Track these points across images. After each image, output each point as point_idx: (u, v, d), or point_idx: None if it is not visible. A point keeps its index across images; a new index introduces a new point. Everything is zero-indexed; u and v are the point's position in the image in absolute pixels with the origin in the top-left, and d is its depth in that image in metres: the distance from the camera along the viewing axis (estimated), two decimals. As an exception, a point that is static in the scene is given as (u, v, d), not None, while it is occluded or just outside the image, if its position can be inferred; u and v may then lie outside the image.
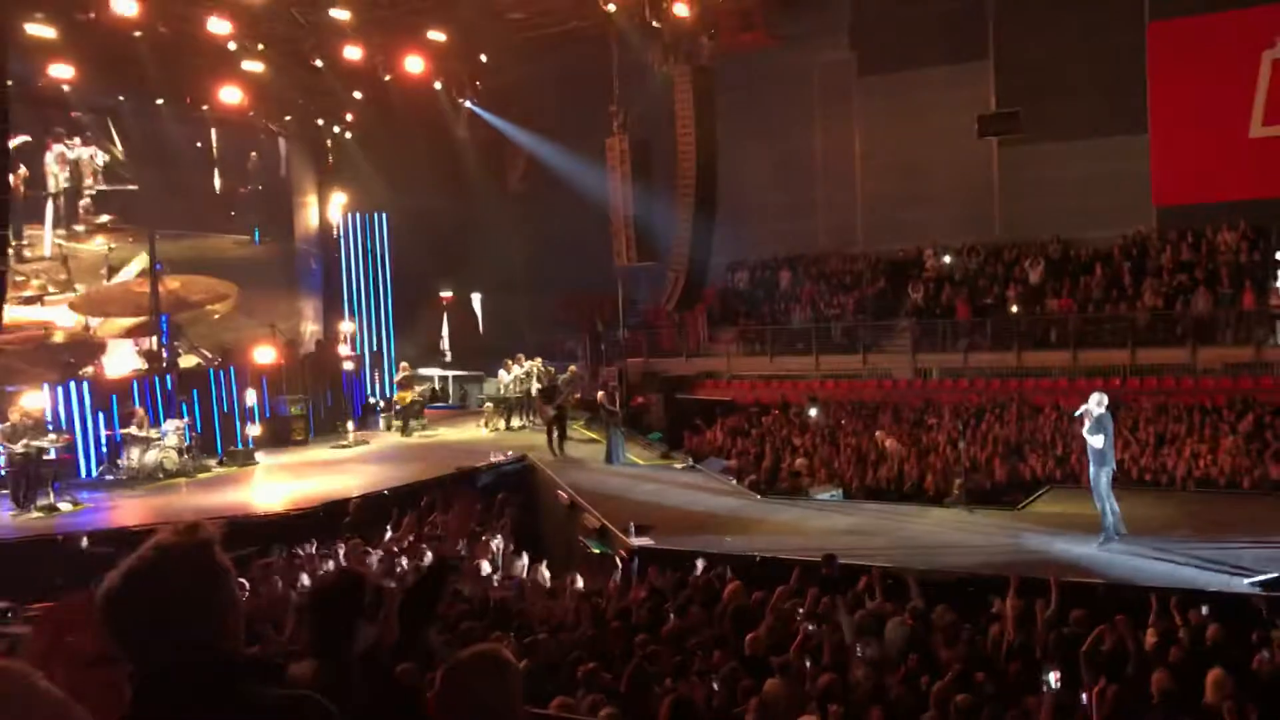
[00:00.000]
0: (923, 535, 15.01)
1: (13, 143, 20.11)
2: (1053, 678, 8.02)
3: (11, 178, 20.54)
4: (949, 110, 26.55)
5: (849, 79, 28.39)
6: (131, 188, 23.01)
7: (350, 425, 23.48)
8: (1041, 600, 9.62)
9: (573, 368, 25.09)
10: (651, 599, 10.87)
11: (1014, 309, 24.41)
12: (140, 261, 22.89)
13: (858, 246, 28.74)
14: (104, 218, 22.70)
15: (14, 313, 19.60)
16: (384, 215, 27.20)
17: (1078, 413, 13.74)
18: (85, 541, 14.49)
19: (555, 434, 20.98)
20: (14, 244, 20.75)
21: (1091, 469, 13.50)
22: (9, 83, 15.29)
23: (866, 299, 26.61)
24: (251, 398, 22.21)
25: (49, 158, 21.87)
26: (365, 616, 2.88)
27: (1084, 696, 7.75)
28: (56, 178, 22.05)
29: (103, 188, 22.74)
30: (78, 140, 22.25)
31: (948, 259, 26.74)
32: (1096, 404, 13.37)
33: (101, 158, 22.65)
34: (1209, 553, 12.73)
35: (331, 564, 13.26)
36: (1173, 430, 19.24)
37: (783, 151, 28.87)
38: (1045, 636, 9.09)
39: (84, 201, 22.43)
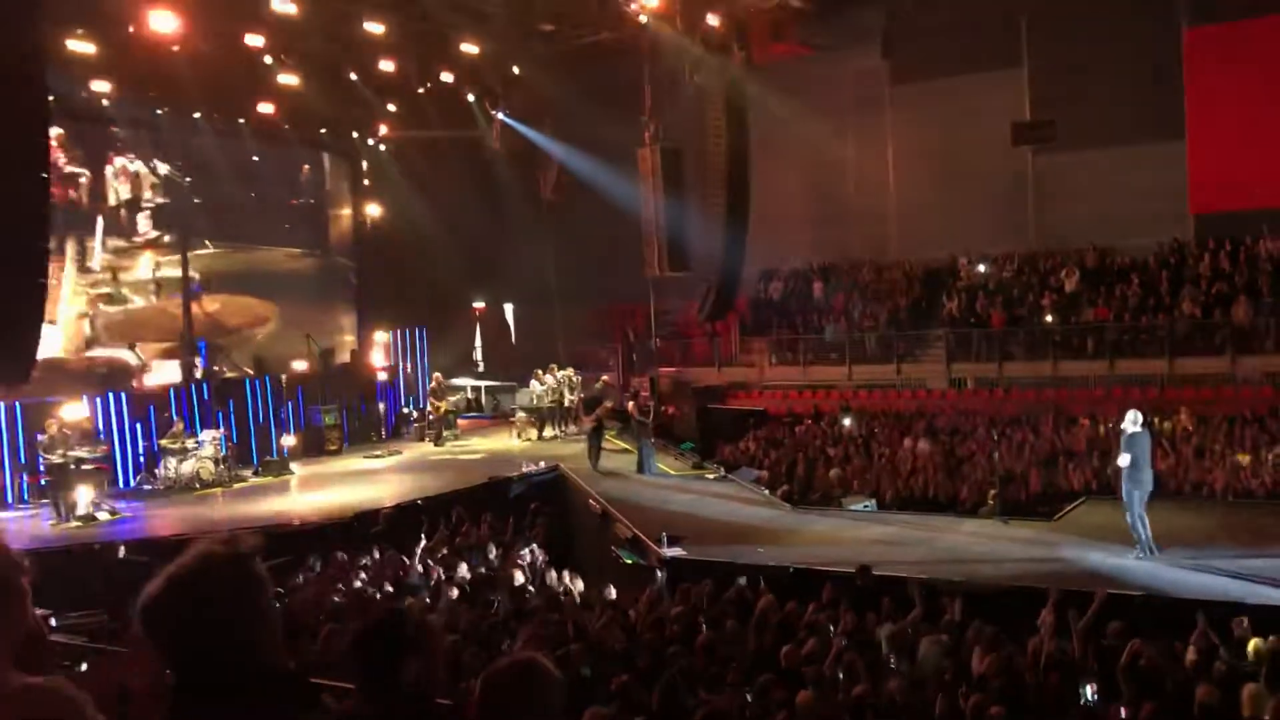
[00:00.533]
0: (958, 546, 14.88)
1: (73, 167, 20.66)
2: (1089, 690, 7.94)
3: (72, 192, 21.00)
4: (983, 118, 26.43)
5: (882, 87, 28.34)
6: (195, 201, 23.36)
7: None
8: (1076, 612, 9.50)
9: (605, 378, 25.11)
10: (684, 611, 10.83)
11: (1049, 318, 24.20)
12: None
13: (891, 255, 28.63)
14: (154, 233, 22.96)
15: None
16: (417, 239, 27.21)
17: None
18: (122, 551, 14.65)
19: (594, 445, 20.83)
20: (75, 257, 21.18)
21: (1124, 485, 13.32)
22: (51, 98, 15.50)
23: (900, 308, 26.48)
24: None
25: (109, 171, 22.20)
26: (409, 651, 2.91)
27: (1121, 711, 7.66)
28: (117, 191, 22.39)
29: (162, 200, 23.06)
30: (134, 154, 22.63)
31: (982, 268, 26.57)
32: (1130, 422, 13.23)
33: (163, 168, 22.97)
34: (1249, 565, 12.54)
35: (364, 574, 13.34)
36: (1212, 441, 18.98)
37: (815, 160, 28.82)
38: (1083, 649, 8.99)
39: (142, 214, 22.76)
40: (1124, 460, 13.07)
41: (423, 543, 14.73)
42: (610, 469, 20.39)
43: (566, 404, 24.67)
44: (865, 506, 18.07)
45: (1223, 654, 8.88)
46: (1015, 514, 16.31)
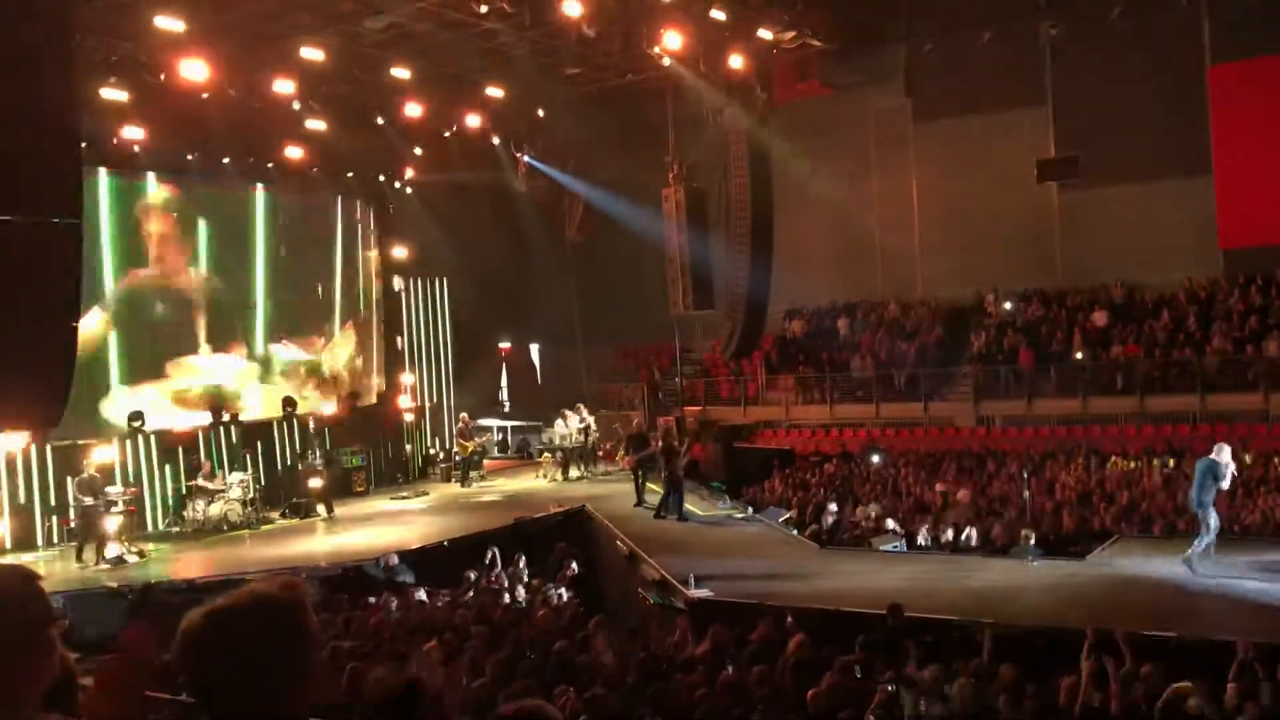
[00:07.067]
0: (988, 587, 14.67)
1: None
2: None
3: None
4: (1007, 155, 26.35)
5: (905, 125, 28.32)
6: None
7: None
8: (1113, 658, 9.31)
9: (634, 418, 25.11)
10: (712, 652, 10.72)
11: (1078, 355, 24.00)
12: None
13: (917, 293, 28.53)
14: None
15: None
16: (444, 280, 27.42)
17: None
18: (152, 593, 14.70)
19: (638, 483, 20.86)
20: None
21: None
22: (83, 144, 15.72)
23: (927, 346, 26.34)
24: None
25: None
26: None
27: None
28: None
29: None
30: None
31: (1009, 305, 26.42)
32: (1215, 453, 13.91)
33: None
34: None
35: (394, 613, 13.28)
36: (1247, 478, 18.69)
37: (840, 198, 28.71)
38: (1121, 693, 8.81)
39: None
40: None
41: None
42: (636, 510, 20.25)
43: (591, 445, 24.68)
44: (894, 547, 17.90)
45: (1264, 693, 8.69)
46: (1047, 553, 16.12)
